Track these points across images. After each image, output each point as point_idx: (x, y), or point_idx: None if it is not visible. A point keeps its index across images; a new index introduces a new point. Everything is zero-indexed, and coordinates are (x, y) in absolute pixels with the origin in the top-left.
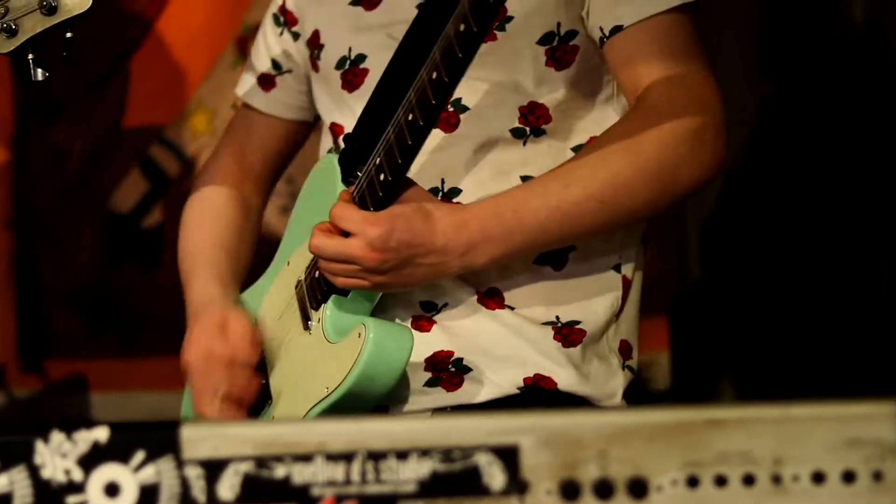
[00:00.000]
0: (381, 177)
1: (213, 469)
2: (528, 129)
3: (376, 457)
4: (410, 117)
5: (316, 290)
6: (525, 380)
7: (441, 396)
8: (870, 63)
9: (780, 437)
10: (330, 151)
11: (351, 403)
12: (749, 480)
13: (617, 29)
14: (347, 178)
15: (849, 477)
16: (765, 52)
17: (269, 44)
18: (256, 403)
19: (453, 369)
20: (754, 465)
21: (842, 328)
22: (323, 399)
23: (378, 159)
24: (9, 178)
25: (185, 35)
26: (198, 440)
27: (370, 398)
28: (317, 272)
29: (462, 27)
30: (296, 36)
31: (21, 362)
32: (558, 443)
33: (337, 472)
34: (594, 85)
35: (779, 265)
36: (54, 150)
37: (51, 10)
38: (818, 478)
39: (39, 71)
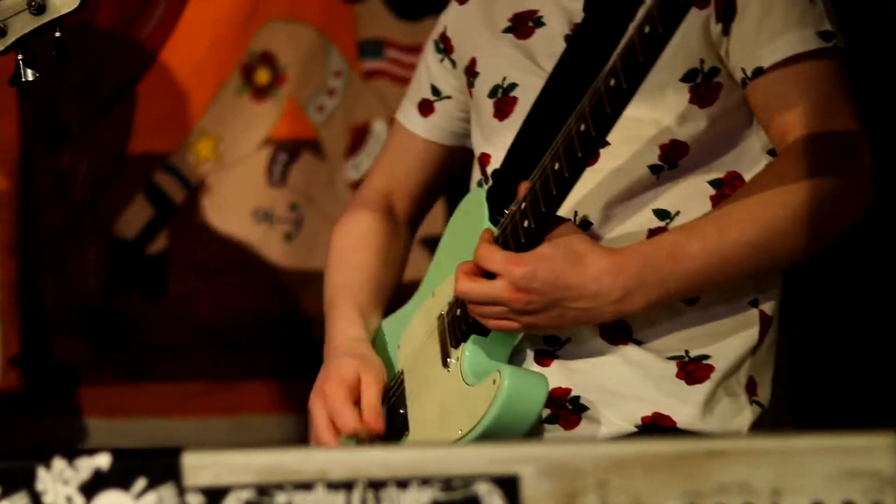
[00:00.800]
0: (525, 223)
1: (215, 496)
2: (665, 165)
3: (377, 485)
4: (557, 167)
5: (456, 328)
6: (643, 418)
7: (559, 435)
8: None
9: (779, 468)
10: (479, 184)
11: None
12: None
13: (759, 71)
14: (494, 216)
15: None
16: None
17: (431, 69)
18: (395, 431)
19: (570, 407)
20: (754, 496)
21: (848, 356)
22: (456, 441)
23: (523, 204)
24: (14, 203)
25: (191, 61)
26: (199, 467)
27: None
28: (458, 310)
29: (612, 82)
30: (454, 63)
31: (24, 386)
32: (558, 472)
33: (338, 500)
34: (737, 120)
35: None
36: (59, 175)
37: (40, 10)
38: None
39: (30, 71)
